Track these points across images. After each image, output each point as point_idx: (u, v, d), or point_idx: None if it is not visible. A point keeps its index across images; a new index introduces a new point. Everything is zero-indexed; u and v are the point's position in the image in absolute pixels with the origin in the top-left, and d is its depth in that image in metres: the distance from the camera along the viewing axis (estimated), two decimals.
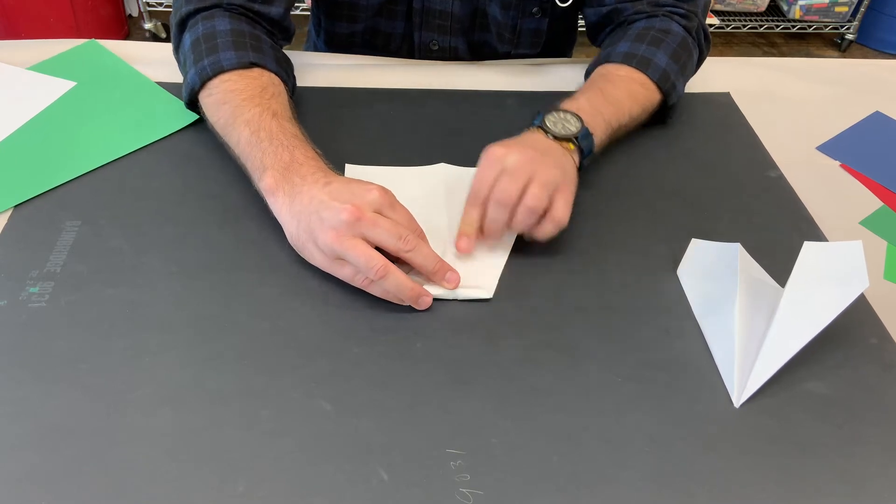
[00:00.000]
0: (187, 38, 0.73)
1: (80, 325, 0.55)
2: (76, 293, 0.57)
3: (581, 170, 0.67)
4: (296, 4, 0.82)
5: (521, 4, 0.87)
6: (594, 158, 0.70)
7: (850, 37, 2.69)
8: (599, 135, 0.70)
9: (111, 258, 0.60)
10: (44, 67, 0.82)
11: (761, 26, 2.66)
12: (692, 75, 0.83)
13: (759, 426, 0.52)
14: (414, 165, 0.72)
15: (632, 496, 0.47)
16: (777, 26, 2.66)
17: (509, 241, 0.65)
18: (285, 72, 0.74)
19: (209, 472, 0.46)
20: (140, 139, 0.73)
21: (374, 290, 0.57)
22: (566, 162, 0.65)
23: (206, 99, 0.70)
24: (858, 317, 0.59)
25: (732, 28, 2.65)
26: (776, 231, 0.68)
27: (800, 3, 2.59)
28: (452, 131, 0.77)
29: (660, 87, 0.77)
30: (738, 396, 0.53)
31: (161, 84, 0.80)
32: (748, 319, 0.55)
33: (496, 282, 0.61)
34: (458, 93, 0.83)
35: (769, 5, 2.67)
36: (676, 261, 0.63)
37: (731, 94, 0.87)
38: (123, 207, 0.65)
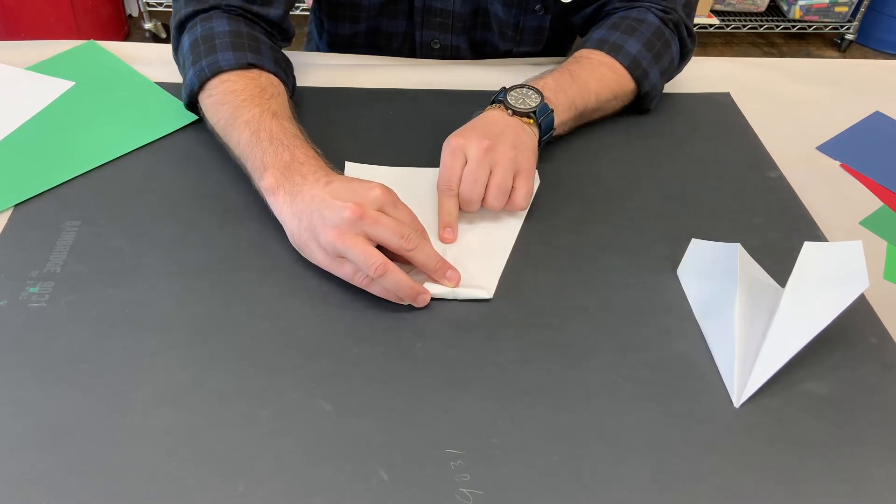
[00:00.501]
0: (186, 40, 0.73)
1: (80, 325, 0.55)
2: (76, 293, 0.57)
3: (541, 145, 0.70)
4: (295, 5, 0.81)
5: (524, 2, 0.87)
6: (557, 136, 0.73)
7: (850, 37, 2.69)
8: (562, 113, 0.72)
9: (111, 258, 0.60)
10: (43, 68, 0.82)
11: (761, 26, 2.66)
12: (674, 68, 0.83)
13: (759, 426, 0.51)
14: (414, 165, 0.72)
15: (632, 496, 0.47)
16: (777, 26, 2.66)
17: (509, 241, 0.65)
18: (284, 72, 0.74)
19: (209, 472, 0.46)
20: (139, 138, 0.73)
21: (374, 289, 0.57)
22: (523, 138, 0.67)
23: (206, 100, 0.70)
24: (858, 317, 0.59)
25: (732, 28, 2.65)
26: (776, 231, 0.68)
27: (800, 3, 2.59)
28: (453, 131, 0.77)
29: (631, 73, 0.77)
30: (738, 396, 0.53)
31: (160, 84, 0.80)
32: (748, 320, 0.55)
33: (496, 282, 0.61)
34: (459, 92, 0.83)
35: (769, 5, 2.67)
36: (676, 261, 0.63)
37: (731, 94, 0.87)
38: (123, 207, 0.65)
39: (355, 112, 0.79)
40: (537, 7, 0.88)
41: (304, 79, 0.82)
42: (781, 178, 0.75)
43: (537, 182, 0.71)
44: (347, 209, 0.55)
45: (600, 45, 0.79)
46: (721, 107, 0.85)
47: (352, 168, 0.71)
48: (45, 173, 0.68)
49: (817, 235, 0.68)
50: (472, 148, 0.64)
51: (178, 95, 0.76)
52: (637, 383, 0.54)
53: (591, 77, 0.76)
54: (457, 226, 0.65)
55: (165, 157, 0.71)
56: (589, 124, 0.79)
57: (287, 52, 0.79)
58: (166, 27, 2.46)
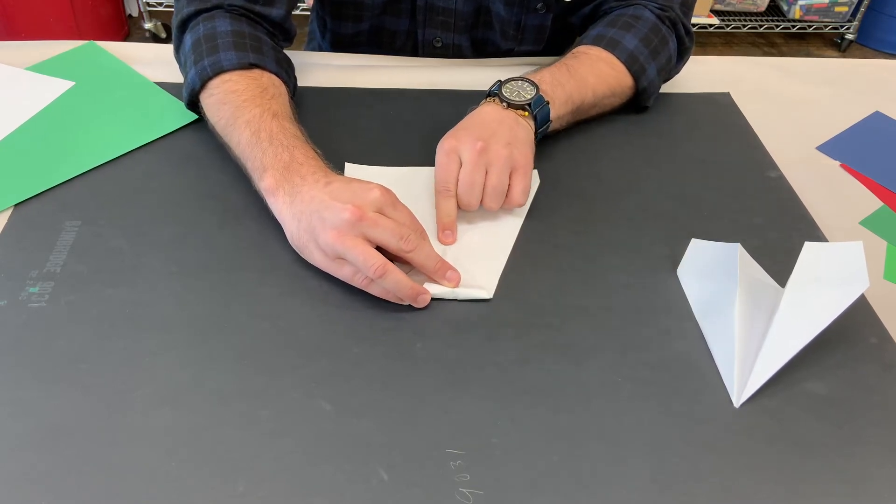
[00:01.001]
0: (188, 39, 0.73)
1: (80, 325, 0.55)
2: (76, 293, 0.57)
3: (538, 138, 0.70)
4: (297, 5, 0.81)
5: (525, 0, 0.87)
6: (559, 129, 0.73)
7: (850, 37, 2.69)
8: (559, 106, 0.72)
9: (111, 258, 0.60)
10: (42, 68, 0.82)
11: (761, 26, 2.66)
12: (672, 66, 0.83)
13: (759, 426, 0.51)
14: (414, 165, 0.72)
15: (632, 496, 0.47)
16: (777, 26, 2.66)
17: (509, 242, 0.65)
18: (286, 72, 0.74)
19: (209, 472, 0.46)
20: (139, 138, 0.73)
21: (374, 290, 0.57)
22: (518, 132, 0.67)
23: (207, 99, 0.70)
24: (858, 317, 0.59)
25: (732, 28, 2.65)
26: (776, 231, 0.68)
27: (800, 3, 2.59)
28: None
29: (628, 69, 0.78)
30: (738, 396, 0.53)
31: (160, 84, 0.80)
32: (748, 320, 0.55)
33: (496, 282, 0.61)
34: (460, 92, 0.83)
35: (769, 5, 2.67)
36: (676, 261, 0.63)
37: (731, 94, 0.87)
38: (123, 207, 0.65)
39: (356, 112, 0.79)
40: (538, 6, 0.88)
41: (305, 79, 0.82)
42: (781, 178, 0.75)
43: (537, 181, 0.71)
44: (346, 211, 0.55)
45: (597, 41, 0.79)
46: (721, 107, 0.85)
47: (351, 169, 0.71)
48: (45, 173, 0.68)
49: (817, 235, 0.68)
50: (465, 150, 0.64)
51: (177, 95, 0.76)
52: (637, 383, 0.54)
53: (589, 72, 0.76)
54: (456, 227, 0.64)
55: (165, 157, 0.71)
56: (588, 122, 0.79)
57: (288, 52, 0.79)
58: (166, 27, 2.46)
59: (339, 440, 0.49)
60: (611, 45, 0.78)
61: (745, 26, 2.65)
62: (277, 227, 0.61)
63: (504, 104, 0.69)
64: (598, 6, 0.85)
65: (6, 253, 0.60)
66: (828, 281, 0.52)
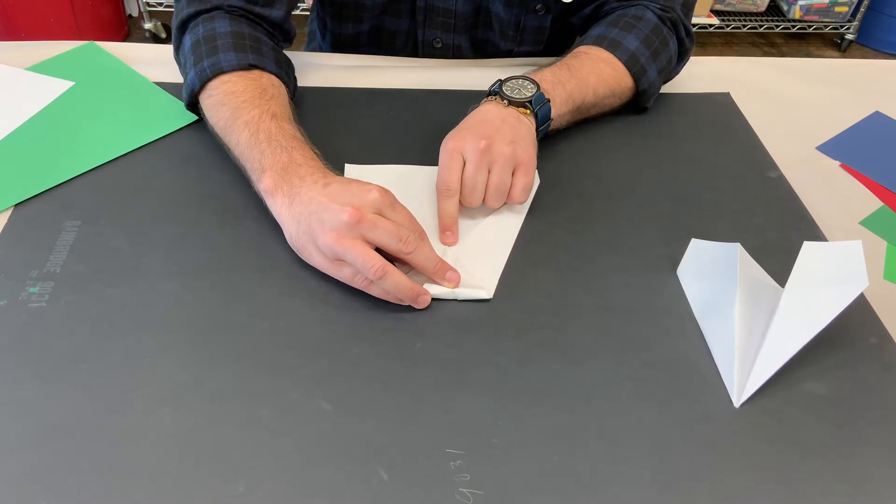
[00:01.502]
0: (188, 40, 0.73)
1: (80, 325, 0.55)
2: (76, 293, 0.57)
3: (539, 136, 0.70)
4: (296, 5, 0.82)
5: (525, 1, 0.87)
6: (559, 128, 0.73)
7: (850, 37, 2.69)
8: (559, 105, 0.72)
9: (111, 258, 0.60)
10: (42, 68, 0.82)
11: (761, 26, 2.66)
12: (672, 67, 0.83)
13: (759, 426, 0.51)
14: (414, 165, 0.72)
15: (632, 496, 0.47)
16: (777, 26, 2.66)
17: (509, 242, 0.65)
18: (286, 73, 0.74)
19: (209, 472, 0.46)
20: (139, 138, 0.73)
21: (374, 291, 0.57)
22: (520, 130, 0.67)
23: (206, 100, 0.70)
24: (858, 317, 0.59)
25: (732, 28, 2.65)
26: (776, 231, 0.68)
27: (800, 3, 2.59)
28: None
29: (629, 70, 0.78)
30: (738, 396, 0.53)
31: (160, 84, 0.80)
32: (748, 319, 0.55)
33: (496, 282, 0.61)
34: (460, 92, 0.83)
35: (769, 5, 2.67)
36: (676, 261, 0.63)
37: (731, 94, 0.87)
38: (123, 207, 0.65)
39: (356, 112, 0.79)
40: (538, 7, 0.88)
41: (306, 79, 0.82)
42: (781, 178, 0.75)
43: (537, 181, 0.71)
44: (345, 213, 0.55)
45: (598, 42, 0.79)
46: (721, 107, 0.85)
47: (351, 170, 0.71)
48: (45, 173, 0.68)
49: (817, 235, 0.68)
50: (469, 149, 0.64)
51: (177, 95, 0.76)
52: (637, 383, 0.54)
53: (590, 72, 0.76)
54: (457, 228, 0.64)
55: (165, 157, 0.71)
56: (588, 122, 0.79)
57: (289, 53, 0.79)
58: (166, 27, 2.46)
59: (339, 440, 0.49)
60: (612, 46, 0.78)
61: (745, 26, 2.65)
62: (277, 228, 0.61)
63: (505, 102, 0.69)
64: (599, 6, 0.85)
65: (6, 253, 0.60)
66: (827, 280, 0.52)
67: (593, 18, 0.87)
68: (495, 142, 0.64)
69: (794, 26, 2.66)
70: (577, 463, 0.48)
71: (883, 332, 0.59)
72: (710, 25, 2.59)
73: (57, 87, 0.79)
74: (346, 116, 0.78)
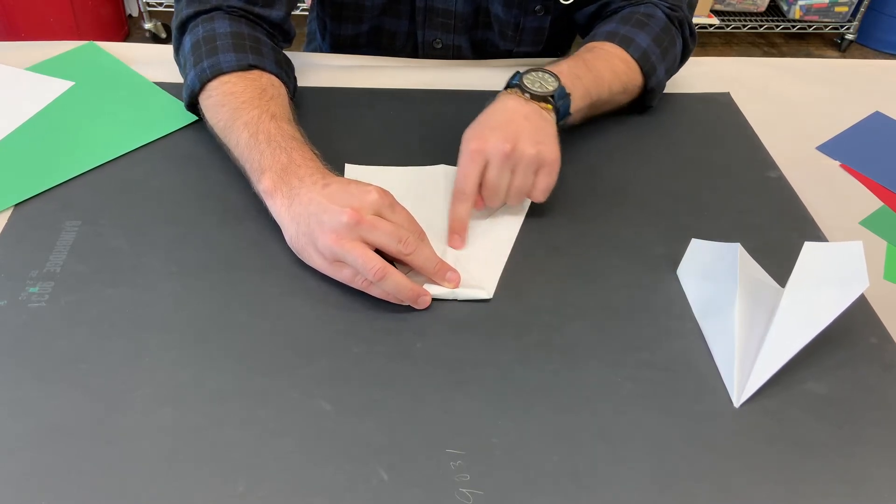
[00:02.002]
0: (187, 41, 0.73)
1: (80, 325, 0.55)
2: (76, 293, 0.57)
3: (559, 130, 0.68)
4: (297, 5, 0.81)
5: (524, 2, 0.87)
6: (572, 124, 0.71)
7: (850, 37, 2.69)
8: (577, 100, 0.71)
9: (111, 258, 0.60)
10: (42, 68, 0.82)
11: (761, 26, 2.66)
12: (676, 67, 0.83)
13: (759, 426, 0.51)
14: (414, 165, 0.72)
15: (632, 496, 0.47)
16: (777, 26, 2.66)
17: (509, 242, 0.65)
18: (286, 73, 0.74)
19: (209, 472, 0.46)
20: (139, 138, 0.73)
21: (374, 292, 0.57)
22: (545, 127, 0.65)
23: (206, 101, 0.70)
24: (858, 317, 0.59)
25: (732, 28, 2.65)
26: (776, 231, 0.68)
27: (800, 3, 2.59)
28: (453, 131, 0.76)
29: (640, 67, 0.77)
30: (738, 396, 0.53)
31: (160, 84, 0.80)
32: (748, 319, 0.55)
33: (496, 282, 0.61)
34: (460, 92, 0.83)
35: (769, 5, 2.67)
36: (676, 261, 0.63)
37: (731, 94, 0.87)
38: (123, 207, 0.65)
39: (356, 112, 0.79)
40: (537, 8, 0.88)
41: (306, 79, 0.82)
42: (781, 178, 0.75)
43: None
44: (345, 214, 0.55)
45: (611, 38, 0.78)
46: (721, 107, 0.85)
47: (352, 170, 0.71)
48: (45, 173, 0.68)
49: (817, 235, 0.68)
50: (493, 153, 0.62)
51: (177, 96, 0.76)
52: (637, 383, 0.54)
53: (605, 68, 0.75)
54: (466, 233, 0.64)
55: (165, 157, 0.71)
56: (588, 123, 0.79)
57: (289, 53, 0.79)
58: (166, 27, 2.46)
59: (339, 440, 0.49)
60: (625, 43, 0.77)
61: (745, 26, 2.65)
62: (277, 228, 0.61)
63: (526, 95, 0.67)
64: (604, 5, 0.85)
65: (6, 253, 0.60)
66: (828, 281, 0.52)
67: (597, 17, 0.86)
68: (520, 143, 0.63)
69: (794, 26, 2.66)
70: (577, 463, 0.48)
71: (883, 332, 0.59)
72: (710, 25, 2.59)
73: (57, 87, 0.79)
74: (346, 116, 0.78)
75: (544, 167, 0.64)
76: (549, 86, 0.68)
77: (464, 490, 0.46)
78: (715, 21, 2.57)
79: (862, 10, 2.61)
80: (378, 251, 0.56)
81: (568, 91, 0.69)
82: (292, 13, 0.80)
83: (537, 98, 0.67)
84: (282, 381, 0.52)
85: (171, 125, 0.75)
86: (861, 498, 0.48)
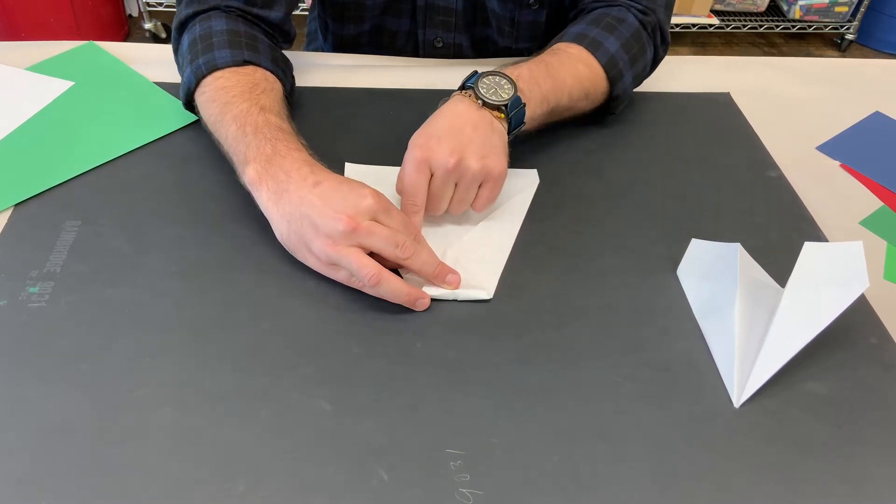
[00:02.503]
0: (185, 40, 0.73)
1: (80, 325, 0.55)
2: (76, 293, 0.57)
3: (509, 139, 0.66)
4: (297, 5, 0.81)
5: None
6: (528, 131, 0.69)
7: (850, 37, 2.70)
8: (534, 107, 0.68)
9: (111, 258, 0.60)
10: (42, 68, 0.82)
11: (761, 26, 2.66)
12: (645, 74, 0.81)
13: (759, 426, 0.51)
14: None
15: (632, 496, 0.47)
16: (777, 26, 2.66)
17: (509, 242, 0.65)
18: (282, 70, 0.74)
19: (209, 472, 0.46)
20: (139, 138, 0.73)
21: (372, 292, 0.57)
22: (493, 140, 0.63)
23: (200, 97, 0.70)
24: (858, 317, 0.59)
25: (732, 28, 2.65)
26: (776, 231, 0.68)
27: (800, 3, 2.59)
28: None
29: (606, 73, 0.75)
30: (738, 396, 0.53)
31: (160, 84, 0.80)
32: (748, 320, 0.55)
33: (496, 282, 0.61)
34: None
35: (769, 5, 2.67)
36: (676, 261, 0.63)
37: (731, 94, 0.87)
38: (123, 207, 0.65)
39: (356, 112, 0.79)
40: (531, 1, 0.88)
41: (306, 79, 0.82)
42: (781, 178, 0.75)
43: (536, 181, 0.71)
44: (341, 222, 0.54)
45: (579, 40, 0.75)
46: (721, 107, 0.85)
47: (351, 169, 0.71)
48: (45, 173, 0.68)
49: (817, 235, 0.68)
50: (438, 164, 0.60)
51: (177, 95, 0.76)
52: (637, 383, 0.54)
53: (567, 73, 0.72)
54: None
55: (165, 157, 0.71)
56: (588, 123, 0.79)
57: (289, 53, 0.79)
58: (166, 27, 2.46)
59: (339, 440, 0.49)
60: (593, 46, 0.75)
61: (745, 26, 2.65)
62: None
63: (479, 102, 0.64)
64: (579, 2, 0.83)
65: (6, 253, 0.60)
66: (828, 281, 0.52)
67: (574, 18, 0.84)
68: (466, 156, 0.61)
69: (794, 26, 2.66)
70: (577, 463, 0.48)
71: (883, 332, 0.59)
72: (710, 25, 2.59)
73: (57, 87, 0.79)
74: (346, 116, 0.78)
75: (488, 182, 0.62)
76: (505, 94, 0.64)
77: (464, 490, 0.46)
78: (715, 21, 2.58)
79: (862, 10, 2.61)
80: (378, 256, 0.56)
81: (524, 100, 0.66)
82: (293, 13, 0.80)
83: (490, 106, 0.64)
84: (282, 381, 0.52)
85: (171, 125, 0.75)
86: (861, 498, 0.48)
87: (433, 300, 0.58)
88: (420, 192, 0.61)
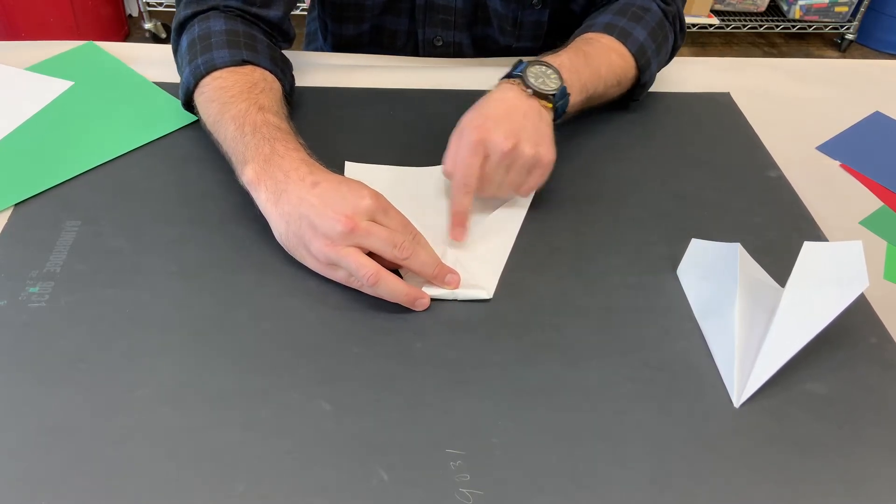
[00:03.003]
0: (184, 40, 0.73)
1: (80, 325, 0.55)
2: (76, 293, 0.57)
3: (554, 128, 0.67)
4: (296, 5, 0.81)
5: None
6: (564, 119, 0.70)
7: (850, 37, 2.70)
8: (575, 96, 0.70)
9: (111, 258, 0.60)
10: (41, 68, 0.82)
11: (761, 26, 2.66)
12: (666, 62, 0.83)
13: (759, 426, 0.51)
14: (415, 165, 0.72)
15: (632, 496, 0.47)
16: (777, 26, 2.66)
17: (509, 242, 0.65)
18: (281, 70, 0.74)
19: (209, 472, 0.46)
20: (139, 138, 0.73)
21: (371, 292, 0.57)
22: (543, 129, 0.65)
23: (199, 98, 0.70)
24: (858, 317, 0.59)
25: (732, 28, 2.65)
26: (776, 231, 0.68)
27: (800, 3, 2.59)
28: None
29: (636, 61, 0.77)
30: (738, 396, 0.53)
31: (160, 84, 0.80)
32: (748, 320, 0.55)
33: (496, 282, 0.61)
34: (460, 92, 0.83)
35: (769, 5, 2.67)
36: (676, 261, 0.63)
37: (731, 94, 0.87)
38: (123, 207, 0.65)
39: (356, 112, 0.79)
40: (535, 1, 0.88)
41: (306, 79, 0.82)
42: (781, 178, 0.75)
43: None
44: (339, 223, 0.55)
45: (608, 30, 0.77)
46: (721, 107, 0.85)
47: (352, 168, 0.71)
48: (45, 173, 0.68)
49: (817, 235, 0.68)
50: (494, 148, 0.61)
51: (177, 95, 0.76)
52: (637, 383, 0.54)
53: (602, 62, 0.74)
54: (468, 225, 0.63)
55: (165, 157, 0.71)
56: (588, 123, 0.79)
57: (289, 53, 0.79)
58: (166, 27, 2.46)
59: (339, 440, 0.49)
60: (623, 36, 0.77)
61: (745, 26, 2.65)
62: None
63: (529, 90, 0.66)
64: None
65: (6, 253, 0.60)
66: (827, 280, 0.52)
67: (593, 6, 0.86)
68: (521, 143, 0.62)
69: (794, 26, 2.66)
70: (577, 463, 0.48)
71: (883, 332, 0.59)
72: (710, 25, 2.59)
73: (56, 86, 0.79)
74: (346, 116, 0.78)
75: (538, 168, 0.64)
76: (552, 83, 0.67)
77: (464, 490, 0.46)
78: (715, 21, 2.57)
79: (862, 10, 2.61)
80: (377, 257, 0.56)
81: (568, 91, 0.68)
82: (292, 13, 0.80)
83: (538, 95, 0.66)
84: (282, 381, 0.52)
85: (171, 125, 0.75)
86: (861, 498, 0.48)
87: (433, 300, 0.58)
88: (474, 173, 0.62)
